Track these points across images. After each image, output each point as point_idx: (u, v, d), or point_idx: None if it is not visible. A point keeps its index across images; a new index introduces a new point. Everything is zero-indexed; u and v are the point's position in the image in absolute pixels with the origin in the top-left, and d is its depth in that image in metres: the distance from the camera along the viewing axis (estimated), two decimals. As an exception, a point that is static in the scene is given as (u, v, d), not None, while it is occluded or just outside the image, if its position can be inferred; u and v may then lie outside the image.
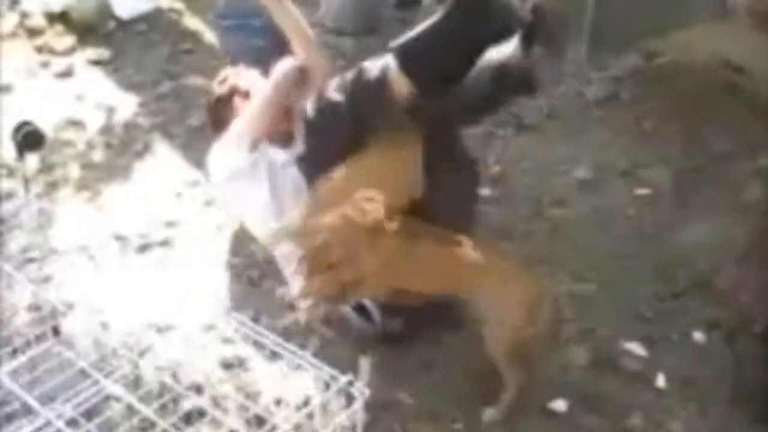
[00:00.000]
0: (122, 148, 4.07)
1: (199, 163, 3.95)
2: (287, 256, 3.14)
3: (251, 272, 3.46)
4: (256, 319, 3.22)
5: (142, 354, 3.01)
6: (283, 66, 3.29)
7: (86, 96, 4.42)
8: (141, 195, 3.83)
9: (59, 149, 4.03)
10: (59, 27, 4.87)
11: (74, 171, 3.92)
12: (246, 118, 3.29)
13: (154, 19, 5.06)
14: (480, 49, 2.99)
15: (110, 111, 4.28)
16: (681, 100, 4.17)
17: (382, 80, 2.99)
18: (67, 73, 4.60)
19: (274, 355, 3.08)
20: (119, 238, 3.58)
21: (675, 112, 4.11)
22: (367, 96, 3.02)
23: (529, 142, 4.05)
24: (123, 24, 5.00)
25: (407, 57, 2.97)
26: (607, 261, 3.46)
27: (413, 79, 2.94)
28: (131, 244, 3.56)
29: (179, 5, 5.17)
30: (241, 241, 3.59)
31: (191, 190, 3.85)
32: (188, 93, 4.43)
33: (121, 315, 3.22)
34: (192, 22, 5.03)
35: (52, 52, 4.74)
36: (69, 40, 4.81)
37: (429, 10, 4.63)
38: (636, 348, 3.13)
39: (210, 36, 4.79)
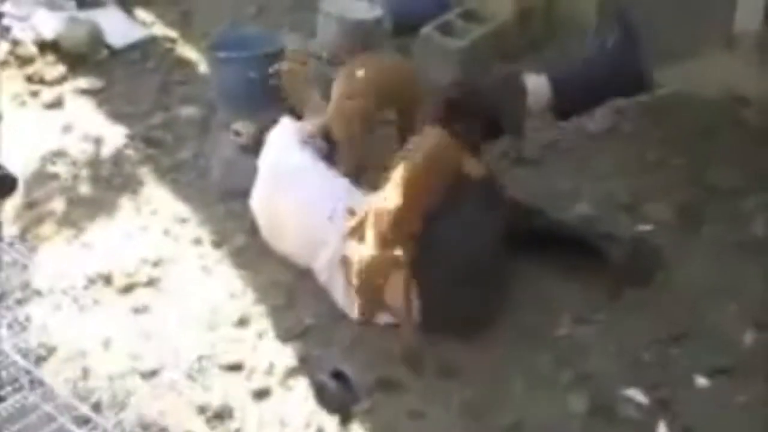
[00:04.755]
0: (109, 182, 3.97)
1: (189, 198, 3.88)
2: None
3: (239, 313, 3.35)
4: (238, 366, 3.14)
5: (125, 402, 2.94)
6: None
7: (75, 127, 4.32)
8: (127, 232, 3.73)
9: (44, 183, 3.95)
10: (50, 56, 4.78)
11: (59, 206, 3.83)
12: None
13: (147, 47, 4.95)
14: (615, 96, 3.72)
15: (98, 143, 4.19)
16: (684, 132, 4.06)
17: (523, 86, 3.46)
18: (56, 103, 4.51)
19: (258, 403, 3.01)
20: (104, 277, 3.47)
21: (678, 145, 3.99)
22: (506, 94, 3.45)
23: (528, 175, 3.94)
24: (115, 53, 4.89)
25: (563, 85, 3.49)
26: (607, 302, 3.34)
27: (559, 101, 3.50)
28: (116, 284, 3.45)
29: (173, 34, 5.07)
30: (229, 279, 3.50)
31: (180, 227, 3.74)
32: (180, 125, 4.33)
33: (104, 360, 3.13)
34: (186, 52, 4.93)
35: (42, 81, 4.65)
36: (60, 69, 4.71)
37: (427, 38, 4.54)
38: (637, 395, 3.02)
39: (204, 66, 4.69)
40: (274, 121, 3.80)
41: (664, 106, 4.24)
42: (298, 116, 3.83)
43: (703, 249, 3.55)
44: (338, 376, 2.81)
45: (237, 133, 3.89)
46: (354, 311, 3.23)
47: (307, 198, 3.41)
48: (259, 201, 3.60)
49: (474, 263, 3.18)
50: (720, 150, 3.95)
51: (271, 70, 3.94)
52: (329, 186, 3.44)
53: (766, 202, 3.71)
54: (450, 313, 3.18)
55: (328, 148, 3.70)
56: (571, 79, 3.52)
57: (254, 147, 3.79)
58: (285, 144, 3.64)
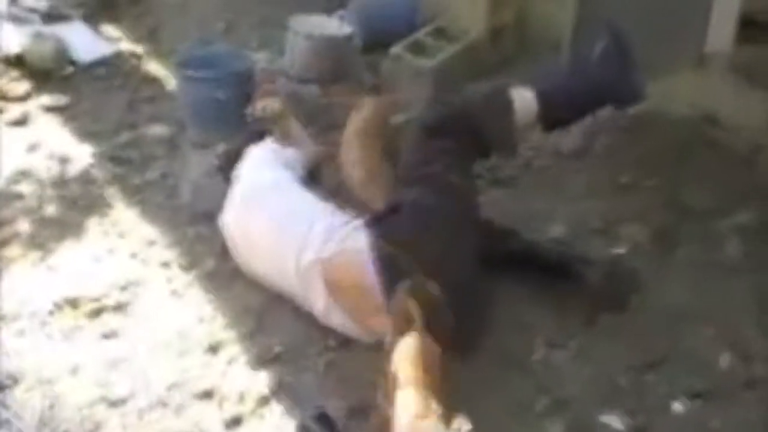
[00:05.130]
0: (76, 203, 3.89)
1: (157, 220, 3.81)
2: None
3: (209, 339, 3.27)
4: (209, 393, 3.07)
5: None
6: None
7: (41, 145, 4.24)
8: (94, 254, 3.64)
9: (9, 203, 3.86)
10: (15, 72, 4.70)
11: (25, 227, 3.74)
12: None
13: (114, 63, 4.90)
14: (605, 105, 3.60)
15: (65, 162, 4.11)
16: (657, 153, 4.05)
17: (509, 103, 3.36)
18: (21, 121, 4.43)
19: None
20: (71, 301, 3.39)
21: (651, 165, 3.98)
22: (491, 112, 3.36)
23: (503, 196, 3.91)
24: (81, 69, 4.82)
25: (550, 96, 3.40)
26: (582, 327, 3.31)
27: (546, 113, 3.40)
28: (83, 309, 3.36)
29: (140, 50, 5.01)
30: (199, 303, 3.43)
31: (148, 250, 3.66)
32: (148, 143, 4.26)
33: (72, 388, 3.05)
34: (154, 68, 4.87)
35: (6, 98, 4.57)
36: (25, 85, 4.64)
37: (397, 57, 4.51)
38: (614, 421, 2.98)
39: (172, 83, 4.64)
40: (250, 142, 3.76)
41: (636, 125, 4.23)
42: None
43: (678, 271, 3.53)
44: (322, 418, 2.73)
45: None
46: (333, 321, 3.22)
47: (282, 218, 3.35)
48: (230, 219, 3.54)
49: (455, 287, 3.11)
50: (693, 171, 3.94)
51: (248, 111, 3.90)
52: (307, 208, 3.38)
53: (739, 224, 3.70)
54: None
55: (309, 177, 3.68)
56: (557, 90, 3.47)
57: (226, 167, 3.72)
58: (264, 163, 3.60)
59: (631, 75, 3.50)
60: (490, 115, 3.36)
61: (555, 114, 3.44)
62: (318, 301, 3.23)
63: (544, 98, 3.40)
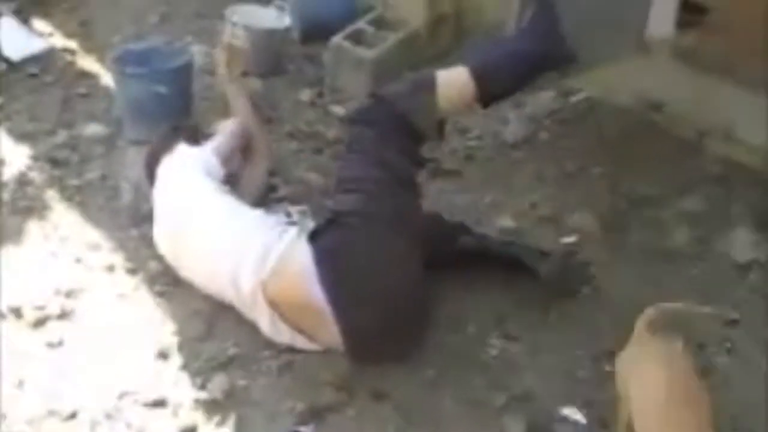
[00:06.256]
0: (14, 207, 3.78)
1: (99, 222, 3.72)
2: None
3: (158, 345, 3.20)
4: (161, 402, 3.00)
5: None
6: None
7: (-26, 148, 4.12)
8: (35, 260, 3.54)
9: (-56, 210, 3.74)
10: (-56, 72, 4.56)
11: (-39, 234, 3.63)
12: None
13: (47, 60, 4.76)
14: (540, 72, 3.45)
15: (0, 164, 3.99)
16: (601, 140, 4.06)
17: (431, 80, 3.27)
18: (-48, 123, 4.30)
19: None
20: (14, 310, 3.28)
21: (596, 153, 3.98)
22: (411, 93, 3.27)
23: (447, 187, 3.88)
24: (13, 66, 4.69)
25: (483, 70, 3.30)
26: (537, 319, 3.29)
27: (481, 88, 3.28)
28: (27, 318, 3.27)
29: (73, 45, 4.88)
30: (146, 308, 3.35)
31: (91, 254, 3.57)
32: (85, 143, 4.15)
33: (20, 402, 2.96)
34: (87, 63, 4.75)
35: (-65, 100, 4.43)
36: (-45, 85, 4.50)
37: (338, 47, 4.45)
38: (574, 414, 2.97)
39: (107, 79, 4.52)
40: (171, 134, 3.66)
41: (579, 113, 4.23)
42: (194, 138, 3.68)
43: (628, 259, 3.54)
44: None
45: None
46: (280, 337, 3.14)
47: (217, 234, 3.25)
48: (159, 237, 3.47)
49: (394, 291, 3.06)
50: (638, 158, 3.95)
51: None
52: (241, 221, 3.28)
53: (684, 211, 3.71)
54: (374, 345, 3.09)
55: (230, 174, 3.60)
56: (490, 63, 3.39)
57: (149, 166, 3.62)
58: (185, 175, 3.46)
59: (561, 37, 3.45)
60: (410, 96, 3.30)
61: (491, 86, 3.37)
62: (263, 319, 3.17)
63: (477, 72, 3.33)
